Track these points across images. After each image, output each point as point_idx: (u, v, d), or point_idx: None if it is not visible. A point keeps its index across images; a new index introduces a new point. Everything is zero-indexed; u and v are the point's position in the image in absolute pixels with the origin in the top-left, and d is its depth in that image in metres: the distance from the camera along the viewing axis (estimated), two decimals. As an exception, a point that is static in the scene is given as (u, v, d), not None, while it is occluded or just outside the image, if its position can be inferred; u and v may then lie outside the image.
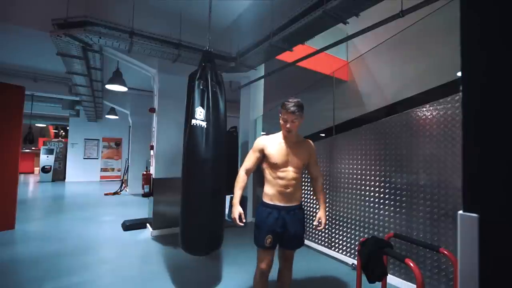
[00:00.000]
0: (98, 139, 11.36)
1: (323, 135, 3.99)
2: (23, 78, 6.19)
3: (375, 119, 2.97)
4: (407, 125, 2.63)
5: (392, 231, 2.63)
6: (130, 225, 4.37)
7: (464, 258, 0.58)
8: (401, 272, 2.58)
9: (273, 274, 1.97)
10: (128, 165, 8.55)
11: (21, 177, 12.24)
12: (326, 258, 3.30)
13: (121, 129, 11.25)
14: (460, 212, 0.58)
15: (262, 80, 5.06)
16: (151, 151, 4.37)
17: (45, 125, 14.20)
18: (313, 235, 3.67)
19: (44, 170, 10.69)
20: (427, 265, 2.36)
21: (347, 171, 3.23)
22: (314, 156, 1.97)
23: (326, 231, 3.47)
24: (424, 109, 2.49)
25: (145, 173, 4.26)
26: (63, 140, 12.06)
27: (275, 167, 1.81)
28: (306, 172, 2.04)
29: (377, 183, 2.86)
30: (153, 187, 4.12)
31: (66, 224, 4.63)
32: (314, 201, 3.67)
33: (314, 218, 2.81)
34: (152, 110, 4.37)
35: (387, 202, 2.76)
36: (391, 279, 2.57)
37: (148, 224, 4.39)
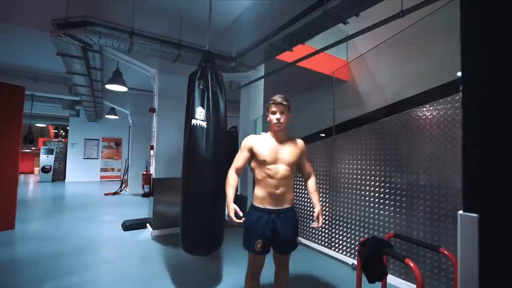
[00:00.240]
0: (98, 139, 11.35)
1: (323, 135, 3.99)
2: (23, 78, 6.19)
3: (375, 119, 2.97)
4: (407, 125, 2.63)
5: (392, 231, 2.63)
6: (130, 225, 4.37)
7: (464, 258, 0.57)
8: (401, 272, 2.58)
9: (270, 277, 1.97)
10: (128, 165, 8.55)
11: (21, 177, 12.23)
12: (326, 258, 3.30)
13: (121, 129, 11.24)
14: (460, 212, 0.58)
15: (262, 80, 5.06)
16: (151, 151, 4.37)
17: (45, 125, 14.19)
18: (313, 235, 3.67)
19: (44, 170, 10.69)
20: (427, 265, 2.36)
21: (347, 171, 3.23)
22: (306, 154, 1.93)
23: (326, 231, 3.47)
24: (424, 109, 2.49)
25: (145, 173, 4.26)
26: (63, 140, 12.05)
27: (263, 164, 1.76)
28: (300, 174, 2.01)
29: (377, 183, 2.86)
30: (153, 187, 4.12)
31: (66, 224, 4.63)
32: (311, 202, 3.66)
33: (312, 218, 2.81)
34: (152, 110, 4.37)
35: (387, 202, 2.76)
36: (391, 279, 2.57)
37: (148, 224, 4.39)
